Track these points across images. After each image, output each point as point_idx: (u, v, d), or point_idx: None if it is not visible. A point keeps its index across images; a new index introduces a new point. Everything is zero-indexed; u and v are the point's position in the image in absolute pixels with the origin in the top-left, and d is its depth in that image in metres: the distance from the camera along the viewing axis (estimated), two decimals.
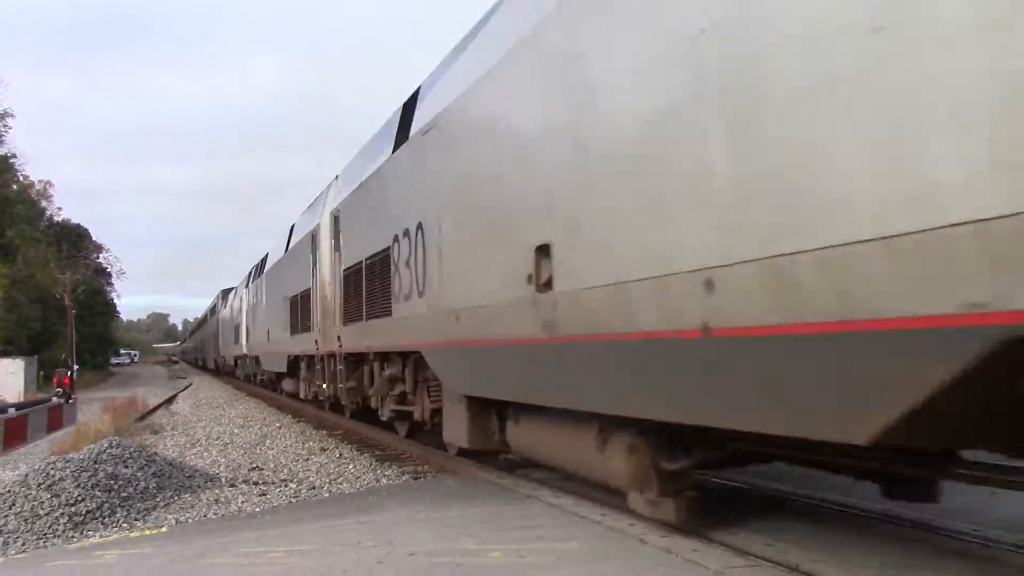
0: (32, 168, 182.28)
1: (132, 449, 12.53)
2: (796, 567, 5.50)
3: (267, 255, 29.96)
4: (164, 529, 9.76)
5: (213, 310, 63.47)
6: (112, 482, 11.14)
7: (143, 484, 11.44)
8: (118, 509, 10.66)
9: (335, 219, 16.27)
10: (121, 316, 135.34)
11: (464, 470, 11.36)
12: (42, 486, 10.83)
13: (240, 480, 12.74)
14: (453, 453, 11.82)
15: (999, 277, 3.30)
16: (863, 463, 5.70)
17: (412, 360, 12.25)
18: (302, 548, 7.51)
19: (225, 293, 52.45)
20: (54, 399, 22.59)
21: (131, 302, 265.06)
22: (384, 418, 14.48)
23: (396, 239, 11.70)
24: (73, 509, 10.41)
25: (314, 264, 18.60)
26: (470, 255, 9.04)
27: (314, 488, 11.73)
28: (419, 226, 10.55)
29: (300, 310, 20.06)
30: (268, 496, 11.32)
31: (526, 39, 7.53)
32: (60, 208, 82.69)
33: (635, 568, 5.76)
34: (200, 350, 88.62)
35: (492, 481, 10.19)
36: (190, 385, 52.05)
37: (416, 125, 11.14)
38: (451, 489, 10.15)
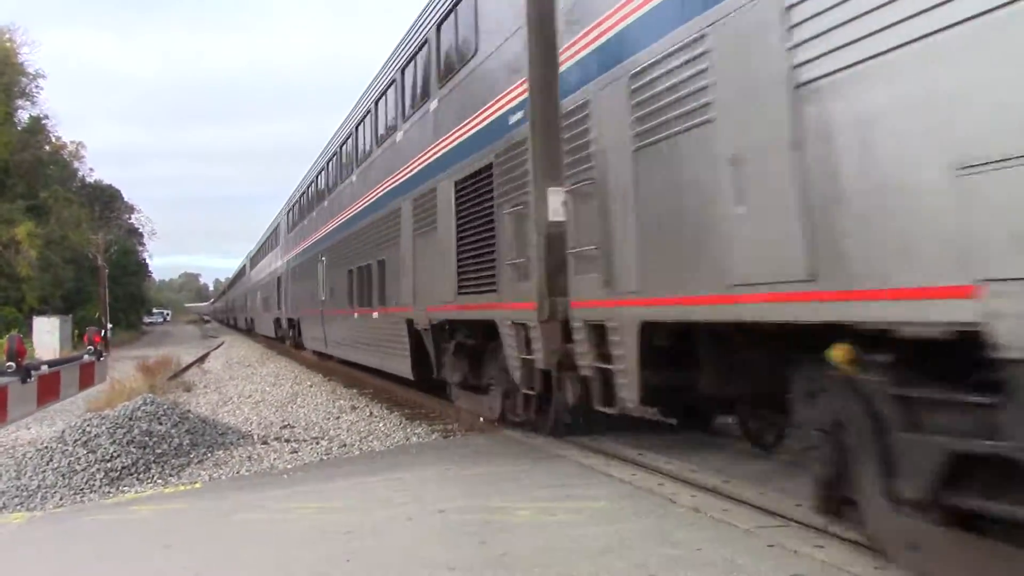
0: (72, 129, 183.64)
1: (166, 406, 12.67)
2: (825, 528, 5.49)
3: None
4: (198, 485, 9.89)
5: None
6: (147, 439, 11.29)
7: (177, 441, 11.58)
8: (153, 465, 10.82)
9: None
10: (153, 276, 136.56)
11: (493, 429, 11.41)
12: (79, 442, 11.00)
13: (272, 438, 12.88)
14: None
15: None
16: None
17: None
18: (333, 505, 7.60)
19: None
20: (85, 356, 22.87)
21: (163, 262, 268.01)
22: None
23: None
24: (109, 465, 10.58)
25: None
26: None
27: (345, 446, 11.84)
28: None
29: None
30: (300, 454, 11.45)
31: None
32: (92, 169, 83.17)
33: (665, 527, 5.77)
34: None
35: (521, 440, 10.23)
36: (222, 344, 52.58)
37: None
38: (480, 447, 10.21)
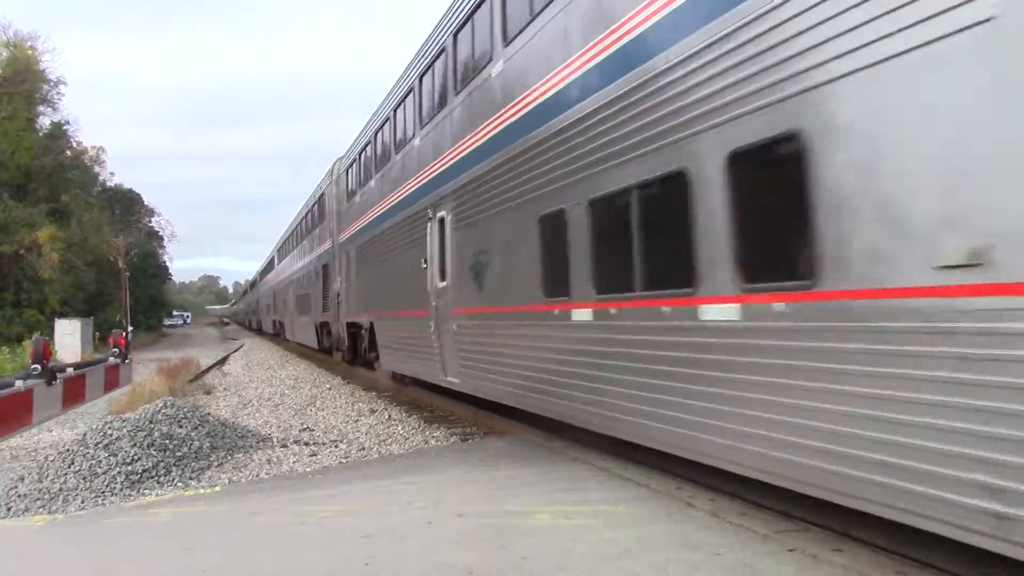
0: (94, 134, 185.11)
1: (186, 409, 12.73)
2: (847, 532, 5.47)
3: None
4: (218, 488, 9.94)
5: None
6: (167, 442, 11.35)
7: (197, 444, 11.64)
8: (173, 468, 10.87)
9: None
10: (173, 279, 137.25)
11: (512, 432, 11.42)
12: (100, 445, 11.07)
13: (291, 441, 12.92)
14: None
15: None
16: None
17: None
18: (352, 508, 7.62)
19: None
20: (110, 359, 22.97)
21: (183, 265, 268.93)
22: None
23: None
24: (130, 468, 10.64)
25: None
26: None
27: (364, 449, 11.87)
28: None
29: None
30: (319, 457, 11.48)
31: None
32: (113, 173, 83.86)
33: (682, 531, 5.76)
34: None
35: (539, 443, 10.23)
36: (241, 347, 52.80)
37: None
38: (499, 450, 10.21)
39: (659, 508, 6.49)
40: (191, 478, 10.64)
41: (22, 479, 10.62)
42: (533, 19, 9.62)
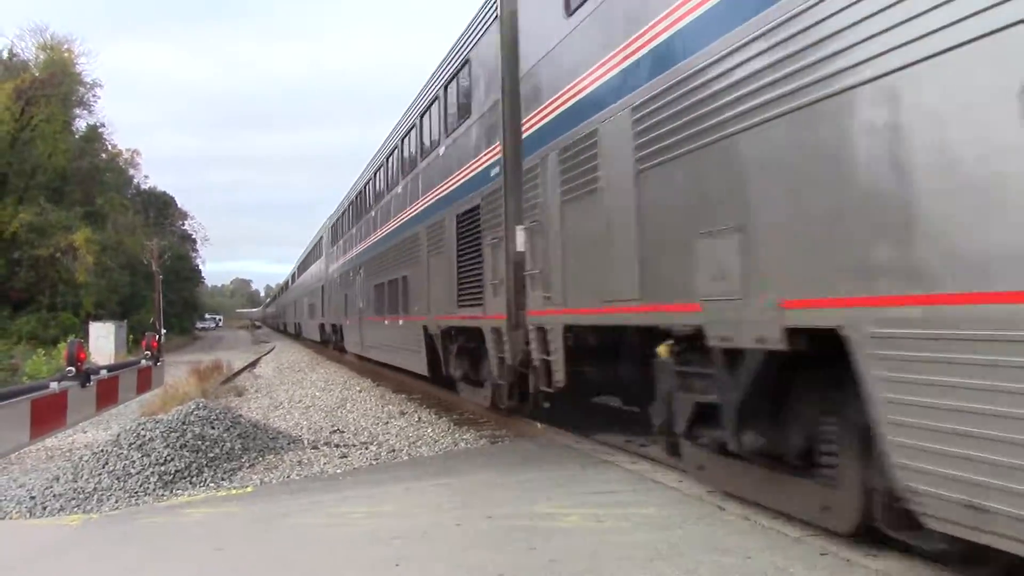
0: (129, 137, 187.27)
1: (218, 411, 12.81)
2: (881, 538, 5.40)
3: None
4: (249, 489, 10.00)
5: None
6: (199, 443, 11.43)
7: (229, 445, 11.71)
8: (205, 469, 10.94)
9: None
10: (206, 282, 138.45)
11: (542, 434, 11.41)
12: (133, 446, 11.17)
13: (322, 442, 12.97)
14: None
15: None
16: None
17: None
18: (382, 510, 7.64)
19: None
20: (143, 362, 23.20)
21: (215, 268, 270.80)
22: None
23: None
24: (163, 468, 10.73)
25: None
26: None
27: (394, 451, 11.90)
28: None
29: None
30: (349, 458, 11.52)
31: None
32: (147, 176, 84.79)
33: (713, 535, 5.73)
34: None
35: (569, 445, 10.22)
36: (272, 349, 53.17)
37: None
38: (529, 453, 10.21)
39: (689, 511, 6.46)
40: (223, 479, 10.71)
41: (57, 479, 10.75)
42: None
